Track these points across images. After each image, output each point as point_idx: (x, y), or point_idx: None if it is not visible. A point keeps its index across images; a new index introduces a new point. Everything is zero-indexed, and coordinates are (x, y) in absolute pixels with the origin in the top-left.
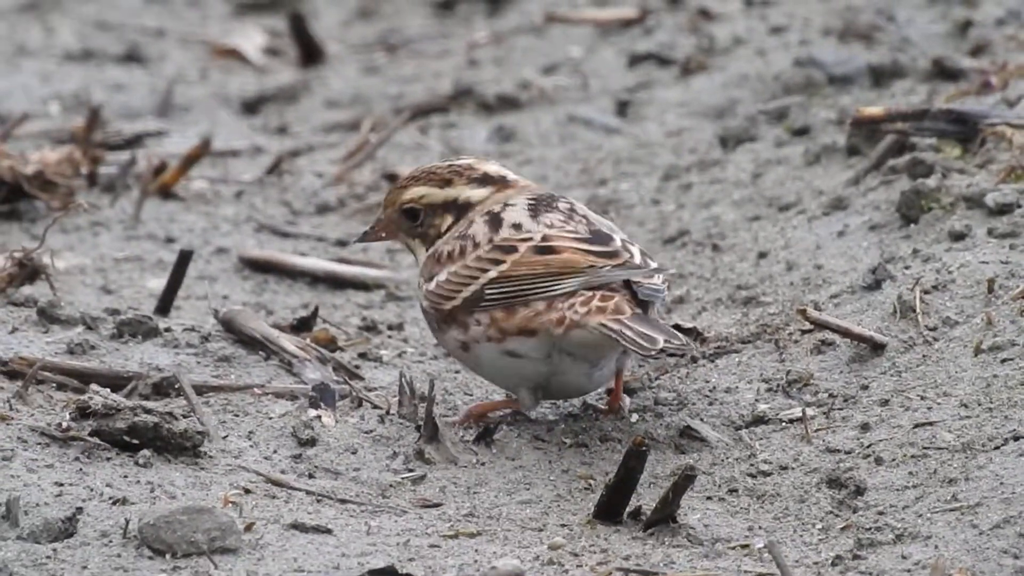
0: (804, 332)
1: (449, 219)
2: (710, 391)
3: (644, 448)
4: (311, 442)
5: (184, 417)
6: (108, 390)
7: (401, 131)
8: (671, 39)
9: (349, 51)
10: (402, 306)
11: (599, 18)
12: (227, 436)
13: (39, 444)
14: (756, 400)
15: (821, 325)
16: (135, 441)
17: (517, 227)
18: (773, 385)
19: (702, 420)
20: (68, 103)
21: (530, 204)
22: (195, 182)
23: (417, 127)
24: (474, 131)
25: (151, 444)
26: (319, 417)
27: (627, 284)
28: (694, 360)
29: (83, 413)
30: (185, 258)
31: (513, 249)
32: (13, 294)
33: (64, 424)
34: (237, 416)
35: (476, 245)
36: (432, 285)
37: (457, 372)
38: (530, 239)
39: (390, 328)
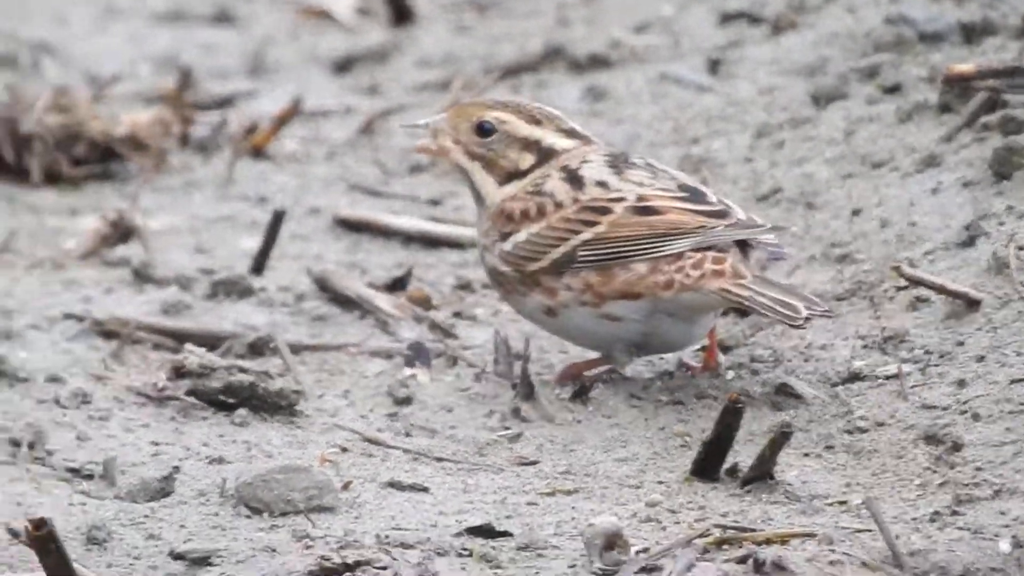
0: (899, 289)
1: (529, 160)
2: (805, 348)
3: (740, 405)
4: (407, 400)
5: (280, 376)
6: (203, 349)
7: (492, 90)
8: None
9: (439, 11)
10: None
11: None
12: (323, 395)
13: (135, 404)
14: (852, 357)
15: (916, 282)
16: (231, 400)
17: (603, 185)
18: (869, 342)
19: (798, 377)
20: (159, 64)
21: (608, 161)
22: (287, 142)
23: (508, 86)
24: (565, 90)
25: (247, 403)
26: (414, 376)
27: (737, 242)
28: None
29: (179, 373)
30: (278, 218)
31: (607, 210)
32: (107, 255)
33: (160, 384)
34: (333, 375)
35: (559, 205)
36: (508, 245)
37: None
38: (623, 199)
39: (484, 286)
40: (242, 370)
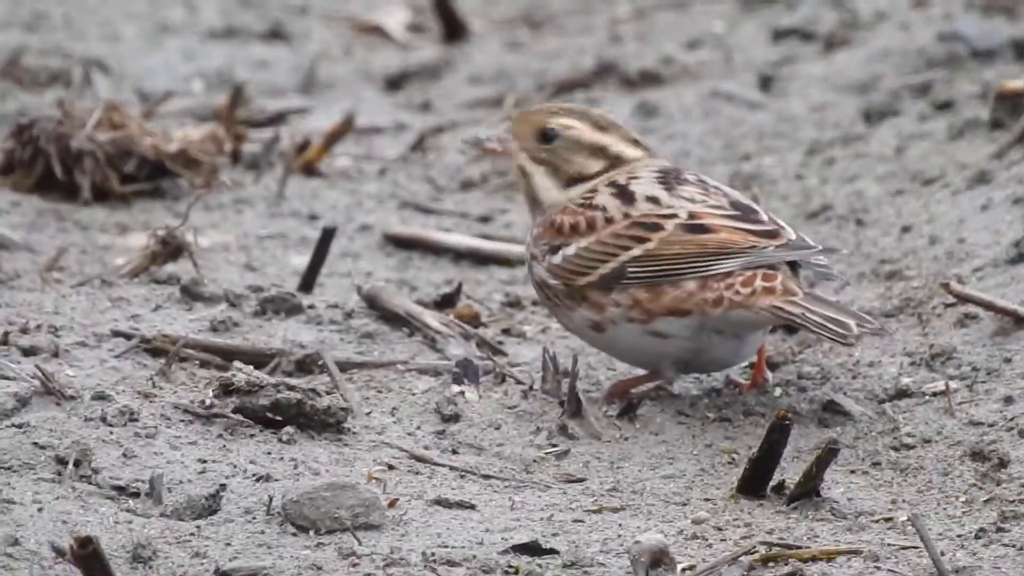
0: (947, 306)
1: (595, 166)
2: (853, 365)
3: (787, 422)
4: (454, 418)
5: (327, 394)
6: (251, 367)
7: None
8: (814, 13)
9: (492, 27)
10: None
11: None
12: (370, 412)
13: (182, 421)
14: (899, 374)
15: (964, 299)
16: (278, 418)
17: (654, 201)
18: (916, 359)
19: (845, 394)
20: (211, 81)
21: (659, 177)
22: (338, 159)
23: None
24: (616, 107)
25: (294, 421)
26: (462, 393)
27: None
28: None
29: (226, 390)
30: (328, 235)
31: (658, 227)
32: (156, 272)
33: (207, 401)
34: (380, 392)
35: (609, 220)
36: (558, 259)
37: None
38: (674, 216)
39: (533, 303)
40: (290, 387)
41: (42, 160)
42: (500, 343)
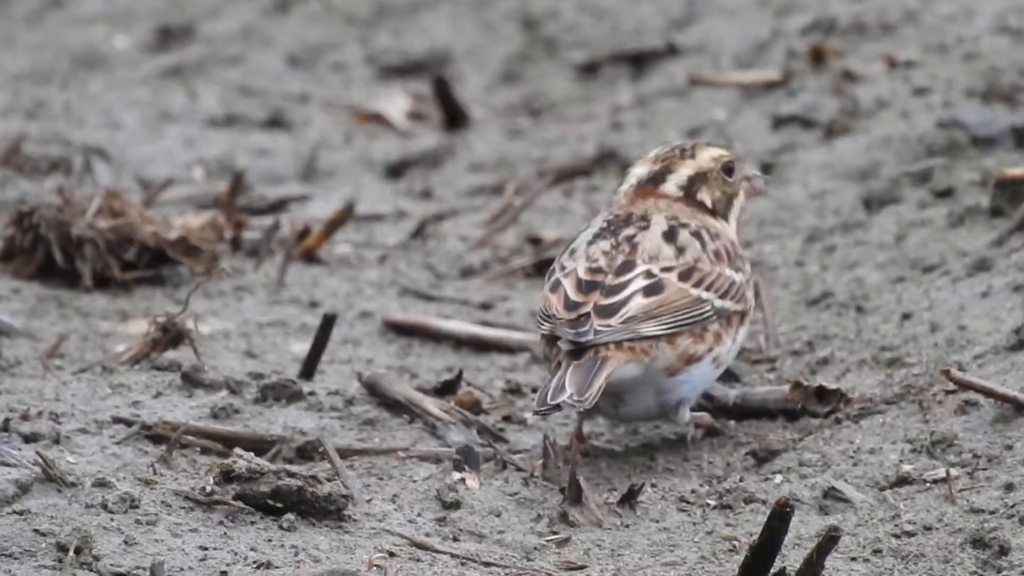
0: (948, 393)
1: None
2: (854, 452)
3: (788, 509)
4: (455, 505)
5: (328, 480)
6: (252, 454)
7: (545, 194)
8: (815, 101)
9: (493, 115)
10: (545, 368)
11: (743, 81)
12: (371, 499)
13: (183, 508)
14: (900, 461)
15: (965, 386)
16: (279, 505)
17: (572, 253)
18: (917, 446)
19: (846, 481)
20: (212, 168)
21: (601, 228)
22: (339, 246)
23: (561, 190)
24: None
25: (295, 508)
26: (463, 480)
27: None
28: (838, 421)
29: (227, 477)
30: (329, 322)
31: (551, 277)
32: (157, 359)
33: (208, 488)
34: (381, 479)
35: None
36: None
37: (600, 434)
38: (564, 270)
39: (534, 391)
40: (290, 474)
41: (43, 247)
42: (501, 430)
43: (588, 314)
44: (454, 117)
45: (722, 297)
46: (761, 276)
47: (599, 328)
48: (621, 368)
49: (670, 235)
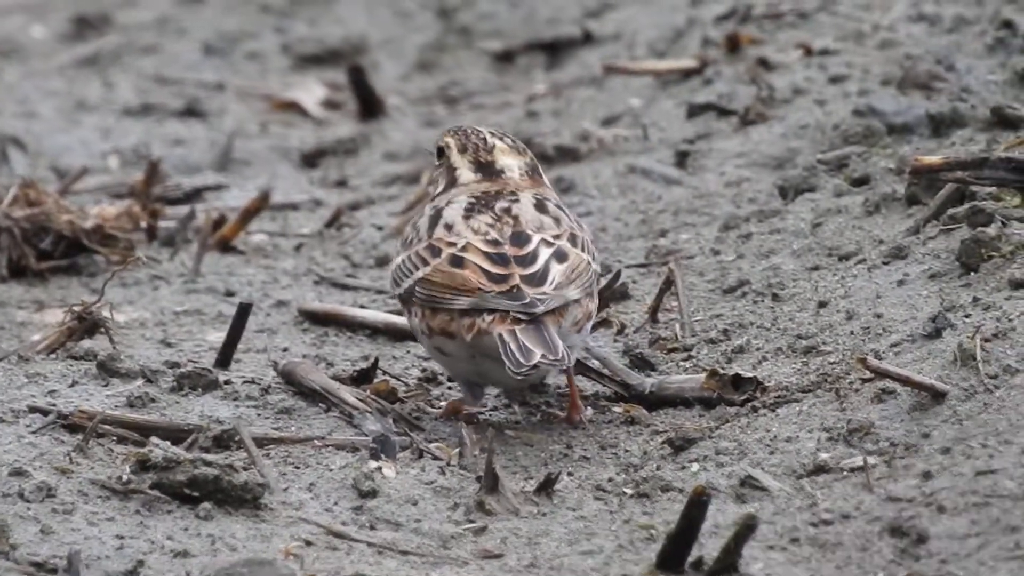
0: (864, 381)
1: (440, 184)
2: (771, 440)
3: (705, 497)
4: (372, 493)
5: (245, 469)
6: (168, 443)
7: None
8: (730, 89)
9: (408, 104)
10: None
11: (658, 69)
12: (287, 488)
13: (100, 497)
14: (817, 449)
15: (882, 374)
16: (195, 494)
17: (449, 228)
18: (834, 434)
19: (763, 469)
20: (127, 157)
21: (470, 203)
22: (254, 235)
23: None
24: None
25: (211, 496)
26: (380, 468)
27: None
28: (755, 410)
29: (143, 466)
30: (244, 311)
31: (438, 253)
32: (73, 348)
33: (125, 477)
34: (297, 468)
35: (419, 239)
36: (392, 265)
37: (517, 423)
38: (454, 245)
39: (450, 379)
40: (207, 463)
41: None
42: (417, 418)
43: (518, 285)
44: (370, 106)
45: (594, 259)
46: (677, 264)
47: (538, 297)
48: (553, 328)
49: (540, 207)
